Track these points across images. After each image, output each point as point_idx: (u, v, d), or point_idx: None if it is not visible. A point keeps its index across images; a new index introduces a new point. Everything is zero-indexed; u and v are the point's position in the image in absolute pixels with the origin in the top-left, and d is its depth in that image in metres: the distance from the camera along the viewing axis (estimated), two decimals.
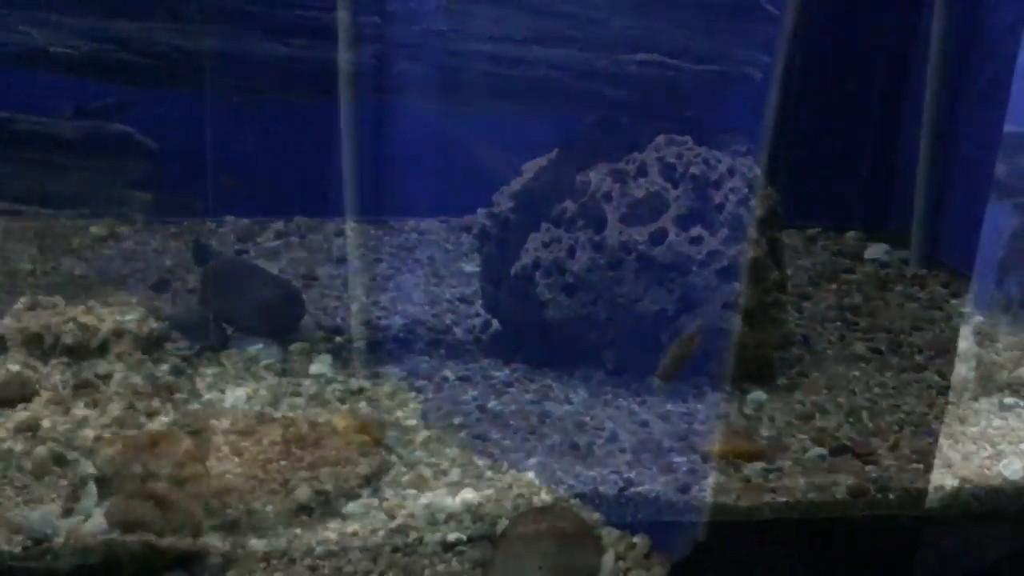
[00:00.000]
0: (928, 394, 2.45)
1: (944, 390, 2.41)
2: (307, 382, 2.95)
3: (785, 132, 3.15)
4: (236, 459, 2.43)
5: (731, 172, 2.17)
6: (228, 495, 2.23)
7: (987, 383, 3.53)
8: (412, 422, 2.73)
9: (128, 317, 1.92)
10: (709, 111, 2.44)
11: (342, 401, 2.87)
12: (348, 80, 2.51)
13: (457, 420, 2.54)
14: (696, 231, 2.16)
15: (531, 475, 2.29)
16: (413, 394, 2.79)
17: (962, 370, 3.69)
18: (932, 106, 3.34)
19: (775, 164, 3.13)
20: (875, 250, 3.53)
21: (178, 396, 1.96)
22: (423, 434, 2.63)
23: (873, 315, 2.98)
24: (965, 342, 3.84)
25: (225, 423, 2.60)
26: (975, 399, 3.50)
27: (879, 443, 2.26)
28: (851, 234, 3.70)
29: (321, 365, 3.08)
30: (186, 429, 1.99)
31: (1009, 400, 3.48)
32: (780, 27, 2.28)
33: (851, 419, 2.33)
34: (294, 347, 3.22)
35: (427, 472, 2.42)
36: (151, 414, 1.87)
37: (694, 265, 2.14)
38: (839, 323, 2.89)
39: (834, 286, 3.17)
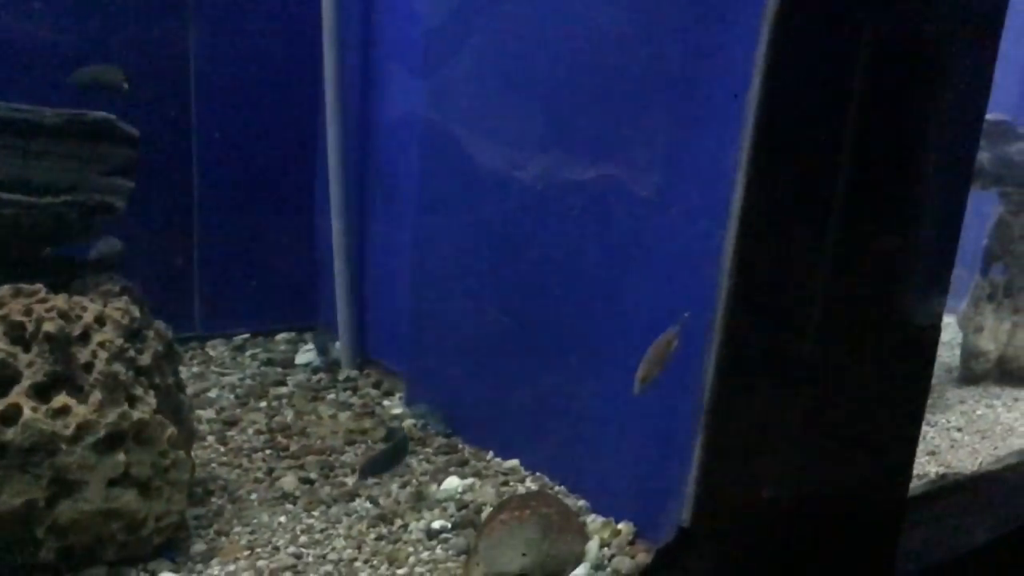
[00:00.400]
0: (358, 529, 2.07)
1: (377, 520, 2.10)
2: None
3: (185, 234, 3.05)
4: (221, 448, 2.44)
5: (100, 321, 1.85)
6: (213, 483, 2.24)
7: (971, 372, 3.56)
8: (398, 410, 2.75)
9: (111, 305, 1.90)
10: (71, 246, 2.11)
11: (330, 389, 2.89)
12: None
13: None
14: (60, 401, 1.76)
15: None
16: None
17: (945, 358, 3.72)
18: (339, 189, 2.98)
19: (179, 283, 3.06)
20: (307, 353, 3.13)
21: (161, 384, 1.96)
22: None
23: (305, 434, 2.55)
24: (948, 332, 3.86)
25: (210, 412, 2.62)
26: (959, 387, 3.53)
27: None
28: (282, 336, 3.28)
29: (309, 354, 3.09)
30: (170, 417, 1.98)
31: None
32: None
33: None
34: (280, 336, 3.24)
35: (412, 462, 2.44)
36: (133, 401, 1.86)
37: (63, 443, 1.73)
38: (268, 451, 2.43)
39: (264, 404, 2.73)
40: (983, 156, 3.19)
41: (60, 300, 1.83)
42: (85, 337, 1.83)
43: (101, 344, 1.83)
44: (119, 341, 1.86)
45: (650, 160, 2.16)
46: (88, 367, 1.81)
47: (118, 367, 1.84)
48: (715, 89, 2.03)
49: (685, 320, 2.08)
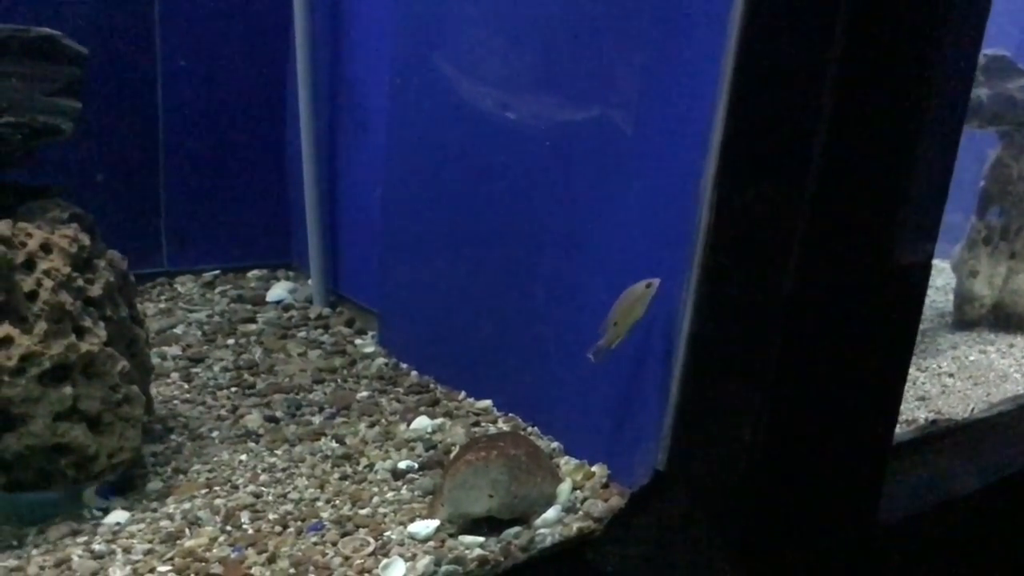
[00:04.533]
0: (322, 468, 2.00)
1: (342, 459, 2.03)
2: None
3: (151, 168, 2.93)
4: (185, 385, 2.37)
5: (46, 248, 1.77)
6: (174, 421, 2.17)
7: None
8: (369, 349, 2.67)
9: (59, 232, 1.81)
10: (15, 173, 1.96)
11: (301, 326, 2.81)
12: None
13: None
14: (2, 331, 1.69)
15: None
16: None
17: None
18: (309, 119, 2.86)
19: (145, 217, 2.93)
20: (278, 290, 3.02)
21: (113, 316, 1.88)
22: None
23: (273, 372, 2.48)
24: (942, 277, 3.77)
25: (176, 349, 2.54)
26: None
27: (255, 555, 1.69)
28: (254, 273, 3.17)
29: (280, 290, 3.01)
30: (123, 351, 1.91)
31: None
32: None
33: (229, 527, 1.78)
34: (252, 273, 3.15)
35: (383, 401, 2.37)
36: (82, 333, 1.78)
37: (5, 375, 1.66)
38: (234, 389, 2.36)
39: (232, 341, 2.65)
40: (981, 92, 3.07)
41: (2, 226, 1.74)
42: (29, 265, 1.75)
43: (46, 272, 1.75)
44: (66, 270, 1.77)
45: (627, 93, 2.07)
46: (32, 296, 1.73)
47: (65, 296, 1.75)
48: (696, 17, 1.93)
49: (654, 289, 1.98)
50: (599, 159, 2.10)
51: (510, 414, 2.32)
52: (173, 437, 2.10)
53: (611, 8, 2.06)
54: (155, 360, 2.27)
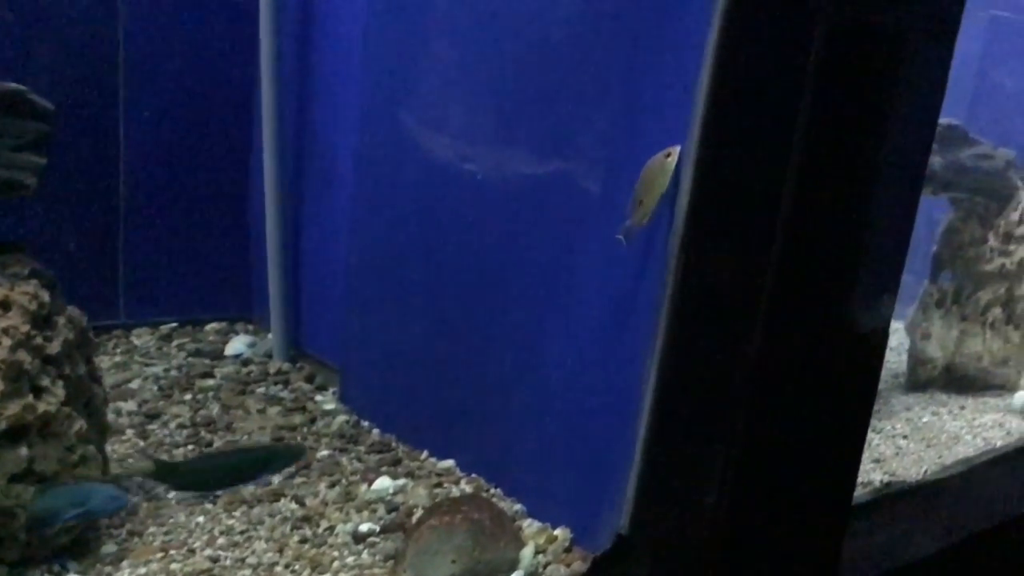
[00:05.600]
0: (281, 531, 1.96)
1: (302, 521, 2.00)
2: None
3: (110, 218, 2.88)
4: (141, 443, 2.32)
5: (4, 305, 1.74)
6: (129, 480, 2.12)
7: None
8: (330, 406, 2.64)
9: (18, 289, 1.78)
10: None
11: (260, 382, 2.77)
12: None
13: None
14: None
15: None
16: None
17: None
18: (274, 172, 2.84)
19: (102, 268, 2.89)
20: (237, 344, 2.98)
21: (71, 374, 1.84)
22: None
23: (231, 429, 2.44)
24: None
25: (131, 404, 2.50)
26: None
27: None
28: (212, 326, 3.11)
29: (239, 344, 2.97)
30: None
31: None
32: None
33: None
34: (210, 326, 3.11)
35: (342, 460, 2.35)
36: (39, 392, 1.74)
37: None
38: (191, 447, 2.32)
39: (189, 396, 2.60)
40: (935, 160, 3.15)
41: None
42: None
43: (4, 331, 1.71)
44: (25, 328, 1.74)
45: (595, 156, 2.09)
46: None
47: (23, 355, 1.71)
48: (664, 83, 1.96)
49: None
50: (565, 218, 2.11)
51: (473, 475, 2.30)
52: (129, 499, 2.06)
53: (579, 68, 2.09)
54: (110, 416, 2.22)
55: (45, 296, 1.82)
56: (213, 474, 2.10)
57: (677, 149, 1.84)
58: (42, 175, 1.85)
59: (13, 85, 1.82)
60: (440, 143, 2.37)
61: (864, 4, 1.85)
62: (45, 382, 1.76)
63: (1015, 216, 3.44)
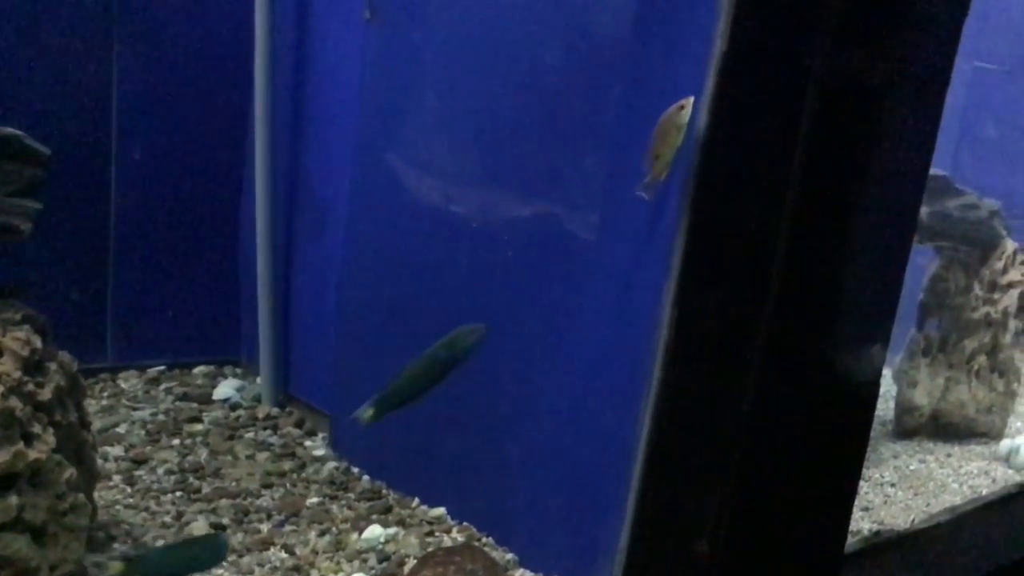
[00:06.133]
0: None
1: (292, 571, 2.00)
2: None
3: (99, 259, 2.88)
4: (128, 489, 2.29)
5: None
6: (117, 528, 2.09)
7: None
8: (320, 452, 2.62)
9: (10, 335, 1.76)
10: None
11: (249, 427, 2.75)
12: None
13: None
14: None
15: None
16: None
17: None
18: (266, 214, 2.82)
19: (90, 310, 2.87)
20: (225, 388, 2.95)
21: (62, 421, 1.82)
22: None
23: (219, 475, 2.41)
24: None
25: (118, 449, 2.47)
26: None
27: None
28: (200, 370, 3.08)
29: (228, 388, 2.95)
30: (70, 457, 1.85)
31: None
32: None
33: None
34: (198, 369, 3.09)
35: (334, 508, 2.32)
36: (29, 440, 1.72)
37: None
38: (179, 493, 2.29)
39: (176, 441, 2.57)
40: (922, 211, 3.18)
41: None
42: None
43: None
44: (16, 374, 1.72)
45: (588, 204, 2.10)
46: None
47: (14, 402, 1.69)
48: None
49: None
50: (560, 265, 2.12)
51: (464, 523, 2.28)
52: (116, 546, 2.03)
53: (574, 115, 2.10)
54: (97, 461, 2.20)
55: (37, 342, 1.80)
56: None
57: (691, 100, 1.83)
58: (36, 220, 1.84)
59: (9, 130, 1.81)
60: (433, 189, 2.38)
61: (856, 61, 1.88)
62: (36, 429, 1.74)
63: (999, 265, 3.47)
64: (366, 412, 1.97)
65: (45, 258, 2.67)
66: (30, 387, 1.76)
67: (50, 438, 1.76)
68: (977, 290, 3.48)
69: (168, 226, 2.96)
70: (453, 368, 2.01)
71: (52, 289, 2.66)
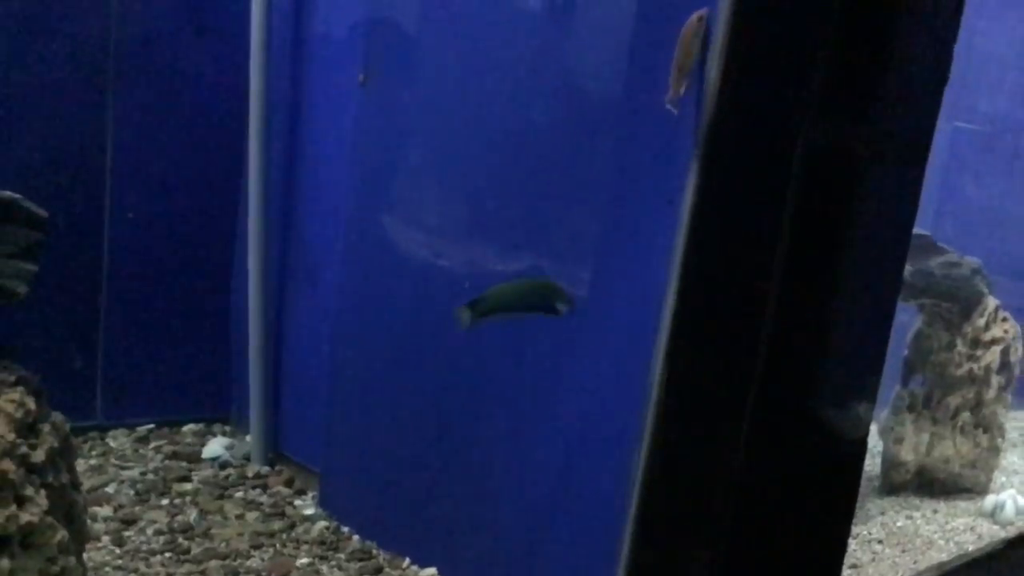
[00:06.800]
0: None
1: None
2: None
3: (90, 317, 2.88)
4: (117, 550, 2.28)
5: None
6: None
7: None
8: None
9: (5, 397, 1.77)
10: None
11: (238, 486, 2.74)
12: None
13: None
14: None
15: None
16: None
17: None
18: (258, 272, 2.83)
19: (81, 368, 2.87)
20: (214, 446, 2.92)
21: (54, 483, 1.82)
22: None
23: (209, 536, 2.39)
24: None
25: (107, 509, 2.46)
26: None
27: None
28: (189, 428, 3.05)
29: (217, 447, 2.94)
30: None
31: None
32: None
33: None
34: (187, 427, 3.08)
35: None
36: (22, 503, 1.71)
37: None
38: (168, 554, 2.27)
39: (166, 501, 2.55)
40: (906, 269, 3.22)
41: None
42: None
43: None
44: (10, 436, 1.72)
45: (580, 259, 2.12)
46: None
47: (8, 465, 1.69)
48: (647, 194, 2.01)
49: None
50: (551, 322, 2.14)
51: None
52: None
53: (565, 174, 2.13)
54: (87, 523, 2.19)
55: (31, 403, 1.80)
56: None
57: (704, 11, 1.83)
58: (32, 283, 1.85)
59: (8, 193, 1.83)
60: (424, 247, 2.40)
61: (841, 126, 1.92)
62: (29, 491, 1.74)
63: (982, 322, 3.52)
64: (463, 313, 1.97)
65: (36, 316, 2.67)
66: (23, 449, 1.76)
67: (42, 500, 1.76)
68: (960, 347, 3.52)
69: (159, 284, 2.98)
70: (543, 304, 2.02)
71: (42, 346, 2.66)
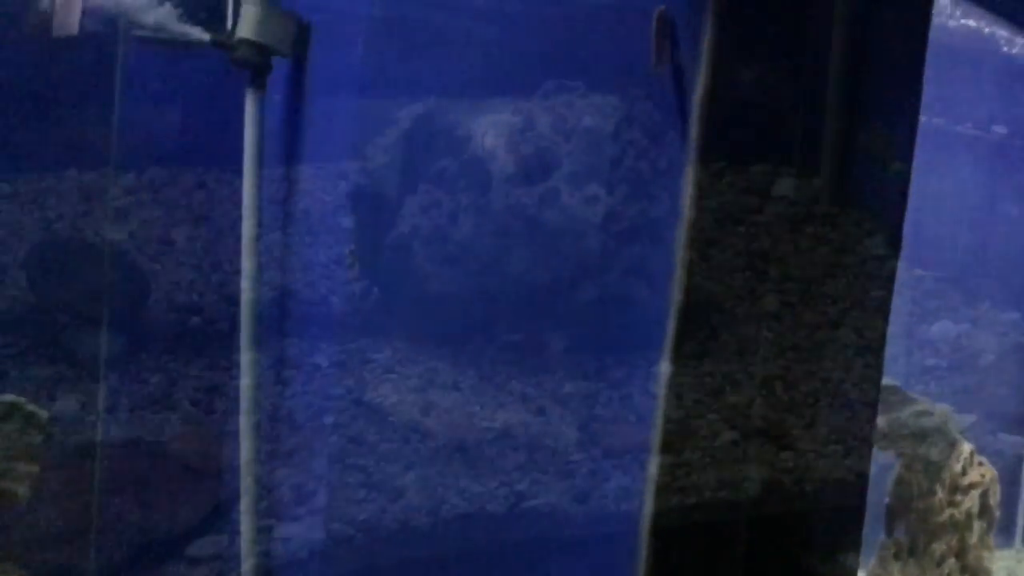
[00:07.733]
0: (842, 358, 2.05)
1: (861, 351, 2.07)
2: None
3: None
4: None
5: (628, 120, 1.86)
6: None
7: None
8: None
9: None
10: (606, 48, 2.05)
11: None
12: None
13: (328, 419, 2.18)
14: (591, 190, 1.86)
15: None
16: (279, 387, 2.42)
17: None
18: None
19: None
20: (783, 186, 2.76)
21: None
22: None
23: (783, 262, 2.44)
24: None
25: None
26: None
27: (794, 420, 1.86)
28: (758, 168, 2.80)
29: None
30: None
31: None
32: None
33: (764, 392, 1.93)
34: None
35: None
36: None
37: (590, 228, 1.82)
38: (748, 272, 2.34)
39: (741, 228, 2.52)
40: (880, 420, 3.30)
41: None
42: None
43: None
44: None
45: (574, 399, 2.17)
46: None
47: None
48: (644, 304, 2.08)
49: None
50: (537, 542, 2.18)
51: None
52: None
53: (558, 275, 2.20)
54: None
55: None
56: None
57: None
58: (34, 487, 1.88)
59: (11, 397, 1.88)
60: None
61: (803, 307, 2.05)
62: None
63: (958, 467, 3.57)
64: None
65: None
66: None
67: None
68: (940, 493, 3.56)
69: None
70: None
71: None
